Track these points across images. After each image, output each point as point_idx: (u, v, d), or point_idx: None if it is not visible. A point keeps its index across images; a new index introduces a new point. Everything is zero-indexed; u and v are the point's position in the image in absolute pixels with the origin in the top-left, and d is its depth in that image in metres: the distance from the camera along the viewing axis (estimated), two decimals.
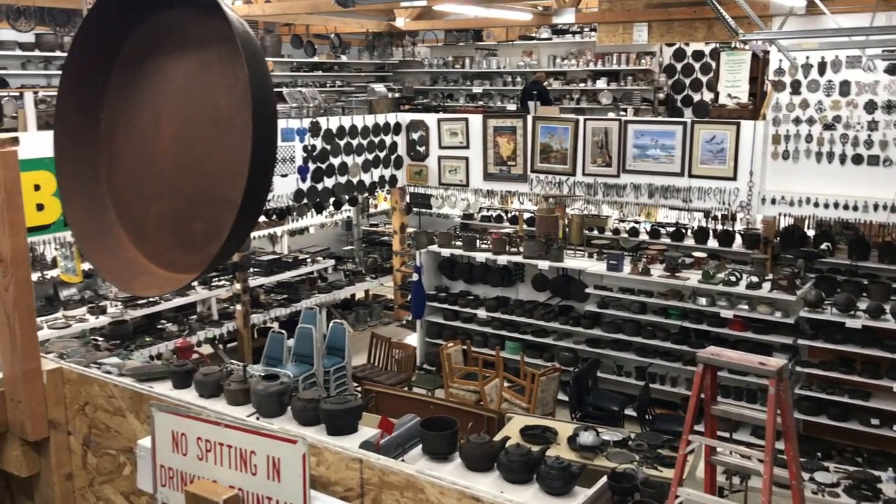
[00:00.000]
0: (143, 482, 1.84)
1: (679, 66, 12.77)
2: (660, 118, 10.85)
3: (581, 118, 10.24)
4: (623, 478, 4.64)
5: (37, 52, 11.33)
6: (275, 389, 5.13)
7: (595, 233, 11.04)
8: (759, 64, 10.47)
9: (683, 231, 10.55)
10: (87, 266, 9.51)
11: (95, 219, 1.91)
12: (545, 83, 13.02)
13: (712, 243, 10.32)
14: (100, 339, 8.39)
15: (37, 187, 7.50)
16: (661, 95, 12.61)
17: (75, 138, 1.91)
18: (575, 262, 9.32)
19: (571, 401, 7.91)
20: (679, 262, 8.79)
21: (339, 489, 1.61)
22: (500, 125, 10.65)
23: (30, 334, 2.02)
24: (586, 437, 6.09)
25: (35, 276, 8.99)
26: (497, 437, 5.08)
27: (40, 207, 7.59)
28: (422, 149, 11.43)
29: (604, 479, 4.69)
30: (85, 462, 2.12)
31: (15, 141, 1.94)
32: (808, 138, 8.94)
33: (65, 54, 11.52)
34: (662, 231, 10.75)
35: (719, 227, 10.42)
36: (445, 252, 10.12)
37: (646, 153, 9.72)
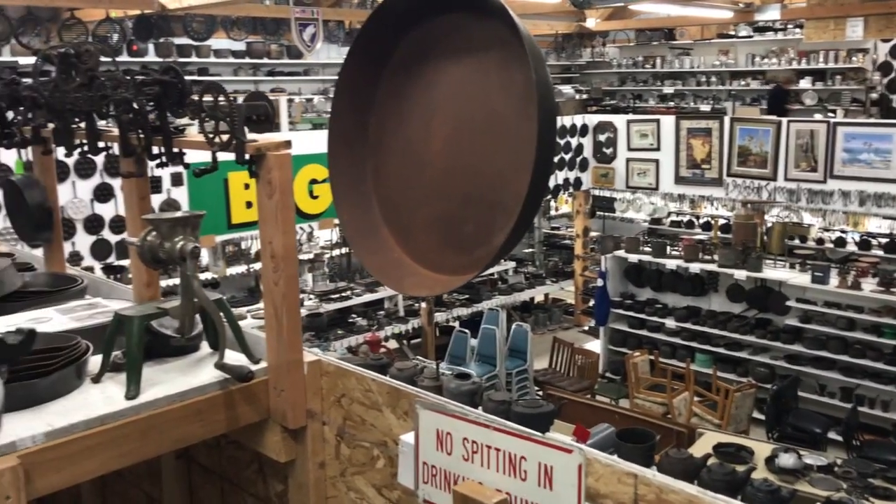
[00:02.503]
0: (405, 478, 1.88)
1: None
2: (874, 120, 10.03)
3: (784, 120, 9.65)
4: None
5: (247, 60, 12.15)
6: (467, 388, 5.18)
7: (796, 242, 10.37)
8: None
9: None
10: None
11: (363, 218, 1.98)
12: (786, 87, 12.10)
13: None
14: None
15: (247, 186, 8.01)
16: (874, 95, 11.65)
17: (346, 139, 1.99)
18: (775, 272, 8.80)
19: (769, 419, 7.48)
20: (895, 276, 8.08)
21: (610, 503, 1.57)
22: (694, 127, 10.24)
23: (294, 327, 2.12)
24: (787, 460, 5.73)
25: (242, 269, 9.66)
26: (689, 453, 4.89)
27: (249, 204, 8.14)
28: (609, 151, 11.20)
29: None
30: (338, 452, 2.20)
31: (288, 144, 2.05)
32: None
33: (272, 61, 12.35)
34: (874, 242, 9.93)
35: None
36: (633, 258, 9.86)
37: (857, 158, 9.01)
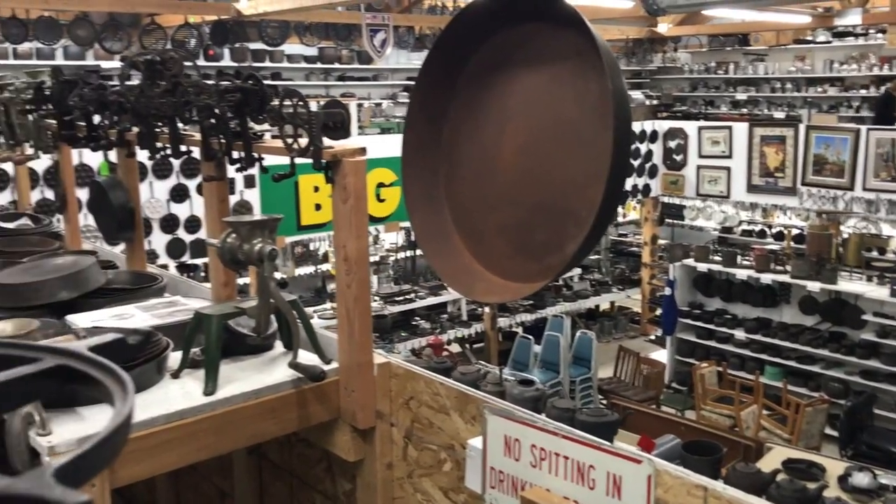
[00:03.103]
0: (472, 482, 1.90)
1: None
2: None
3: (863, 128, 9.34)
4: None
5: (318, 65, 12.37)
6: (530, 395, 5.15)
7: (874, 254, 10.02)
8: None
9: None
10: None
11: (435, 223, 2.01)
12: None
13: None
14: None
15: (316, 188, 8.15)
16: None
17: (420, 145, 2.02)
18: (850, 285, 8.53)
19: (842, 436, 7.24)
20: None
21: None
22: (768, 134, 10.00)
23: (365, 329, 2.17)
24: (861, 479, 5.53)
25: (310, 270, 9.83)
26: (756, 467, 4.77)
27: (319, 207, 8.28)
28: (679, 157, 11.02)
29: None
30: (405, 454, 2.24)
31: (363, 151, 2.09)
32: None
33: (343, 66, 12.54)
34: None
35: None
36: (702, 267, 9.67)
37: None
